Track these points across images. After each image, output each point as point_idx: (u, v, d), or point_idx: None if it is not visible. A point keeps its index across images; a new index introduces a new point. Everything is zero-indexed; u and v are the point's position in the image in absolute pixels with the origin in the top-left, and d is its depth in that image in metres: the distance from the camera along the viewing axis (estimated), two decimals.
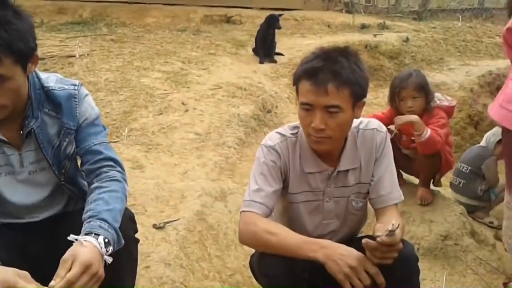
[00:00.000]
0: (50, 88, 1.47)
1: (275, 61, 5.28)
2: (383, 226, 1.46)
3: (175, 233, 2.33)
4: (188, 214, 2.50)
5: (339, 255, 1.40)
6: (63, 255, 1.34)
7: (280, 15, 5.51)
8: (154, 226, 2.34)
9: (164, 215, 2.48)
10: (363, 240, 1.38)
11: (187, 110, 3.76)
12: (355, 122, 1.63)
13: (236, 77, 4.61)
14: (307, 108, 1.52)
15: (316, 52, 1.56)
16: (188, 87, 4.22)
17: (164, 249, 2.20)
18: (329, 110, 1.48)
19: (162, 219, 2.43)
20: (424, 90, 2.65)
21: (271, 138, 1.68)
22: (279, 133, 1.69)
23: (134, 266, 1.55)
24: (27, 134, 1.44)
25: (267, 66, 5.14)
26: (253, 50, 5.55)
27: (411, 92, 2.63)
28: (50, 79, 1.50)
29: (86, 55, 4.65)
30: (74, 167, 1.59)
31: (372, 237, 1.40)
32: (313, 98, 1.49)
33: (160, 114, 3.67)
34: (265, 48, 5.35)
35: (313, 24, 7.11)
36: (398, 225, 1.36)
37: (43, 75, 1.49)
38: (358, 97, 1.52)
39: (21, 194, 1.50)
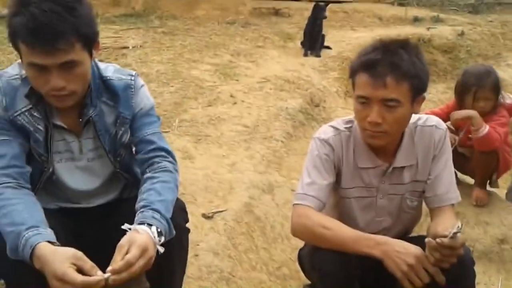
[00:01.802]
0: (108, 78, 1.49)
1: (319, 56, 5.21)
2: (440, 227, 1.41)
3: (223, 223, 2.35)
4: (236, 205, 2.51)
5: (396, 252, 1.36)
6: (116, 241, 1.38)
7: (326, 4, 5.41)
8: (203, 215, 2.37)
9: (212, 205, 2.50)
10: (427, 239, 1.33)
11: (235, 103, 3.78)
12: (413, 118, 1.57)
13: (284, 70, 4.59)
14: (363, 101, 1.48)
15: (374, 44, 1.51)
16: (237, 80, 4.24)
17: (213, 238, 2.22)
18: (387, 103, 1.44)
19: (211, 209, 2.46)
20: (498, 90, 2.51)
21: (325, 131, 1.65)
22: (333, 126, 1.65)
23: (184, 255, 1.56)
24: (86, 122, 1.47)
25: (315, 60, 5.09)
26: (301, 43, 5.50)
27: (488, 93, 2.46)
28: (108, 69, 1.53)
29: (138, 46, 4.77)
30: (129, 156, 1.62)
31: (424, 237, 1.35)
32: (370, 91, 1.44)
33: (209, 105, 3.71)
34: (310, 41, 5.30)
35: (364, 17, 6.98)
36: (461, 228, 1.30)
37: (101, 65, 1.52)
38: (417, 91, 1.46)
39: (79, 180, 1.55)
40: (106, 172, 1.58)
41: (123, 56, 4.47)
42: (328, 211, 1.68)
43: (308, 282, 1.94)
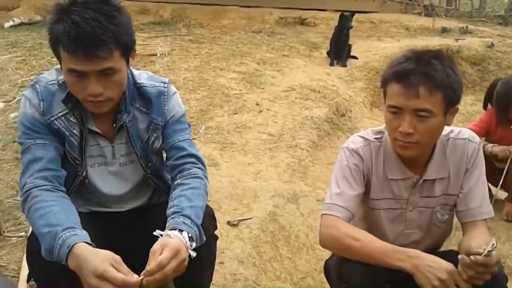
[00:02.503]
0: (142, 84, 1.52)
1: (345, 65, 5.19)
2: (473, 242, 1.38)
3: (248, 232, 2.35)
4: (261, 213, 2.51)
5: (428, 267, 1.33)
6: (145, 246, 1.39)
7: (353, 14, 5.39)
8: (228, 223, 2.37)
9: (237, 213, 2.51)
10: (460, 256, 1.31)
11: (261, 111, 3.79)
12: (445, 130, 1.55)
13: (310, 80, 4.59)
14: (395, 111, 1.46)
15: (407, 54, 1.49)
16: (263, 88, 4.26)
17: (238, 246, 2.22)
18: (419, 114, 1.42)
19: (236, 217, 2.46)
20: None
21: (354, 141, 1.64)
22: (362, 137, 1.64)
23: (213, 262, 1.57)
24: (119, 128, 1.50)
25: (341, 69, 5.08)
26: (327, 53, 5.49)
27: None
28: (142, 76, 1.55)
29: (166, 54, 4.83)
30: (160, 162, 1.64)
31: (453, 252, 1.32)
32: (403, 101, 1.43)
33: (235, 113, 3.73)
34: (336, 50, 5.29)
35: (390, 27, 6.93)
36: (495, 245, 1.27)
37: (135, 72, 1.55)
38: (451, 103, 1.44)
39: (111, 185, 1.57)
40: (137, 178, 1.60)
41: (151, 63, 4.54)
42: (356, 222, 1.66)
43: None
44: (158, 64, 4.53)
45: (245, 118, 3.65)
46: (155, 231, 1.53)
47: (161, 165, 1.65)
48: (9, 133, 3.09)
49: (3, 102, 3.52)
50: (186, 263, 1.25)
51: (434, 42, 5.79)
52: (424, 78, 1.41)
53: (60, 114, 1.42)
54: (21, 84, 3.84)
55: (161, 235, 1.27)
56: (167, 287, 1.60)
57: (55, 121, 1.41)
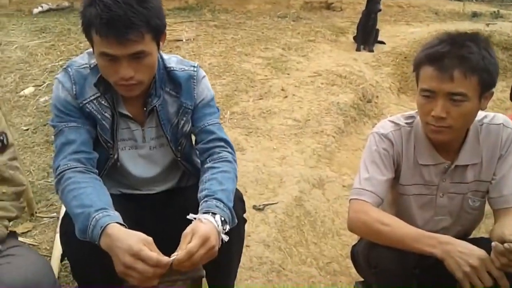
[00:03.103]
0: (172, 68, 1.52)
1: (372, 51, 5.11)
2: (507, 229, 1.35)
3: (274, 216, 2.36)
4: (287, 198, 2.51)
5: (459, 253, 1.31)
6: (174, 228, 1.41)
7: None
8: (254, 207, 2.38)
9: (263, 197, 2.52)
10: (493, 243, 1.28)
11: (286, 96, 3.77)
12: (479, 115, 1.51)
13: (336, 65, 4.54)
14: (427, 95, 1.43)
15: (441, 36, 1.45)
16: (288, 74, 4.23)
17: (263, 230, 2.24)
18: (453, 98, 1.39)
19: (261, 201, 2.47)
20: None
21: (384, 126, 1.61)
22: (393, 121, 1.61)
23: (241, 245, 1.58)
24: (150, 112, 1.51)
25: (368, 55, 5.00)
26: (354, 38, 5.41)
27: None
28: (172, 60, 1.56)
29: (191, 39, 4.84)
30: (189, 145, 1.65)
31: (484, 239, 1.29)
32: (436, 85, 1.40)
33: (260, 99, 3.72)
34: (364, 35, 5.20)
35: (419, 11, 6.78)
36: None
37: (165, 56, 1.56)
38: (486, 86, 1.40)
39: (141, 168, 1.59)
40: (166, 161, 1.62)
41: (177, 49, 4.56)
42: (385, 207, 1.64)
43: (361, 279, 1.91)
44: (183, 50, 4.55)
45: (270, 104, 3.64)
46: (184, 213, 1.55)
47: (190, 148, 1.66)
48: (40, 117, 3.15)
49: (34, 86, 3.59)
50: (216, 249, 1.25)
51: (464, 27, 5.63)
52: (459, 60, 1.37)
53: (92, 98, 1.43)
54: (50, 69, 3.91)
55: (194, 218, 1.27)
56: (196, 268, 1.63)
57: (87, 104, 1.42)
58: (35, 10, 5.81)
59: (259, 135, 3.21)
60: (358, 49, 5.18)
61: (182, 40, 4.78)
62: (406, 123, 1.59)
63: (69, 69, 1.44)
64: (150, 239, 1.20)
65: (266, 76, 4.16)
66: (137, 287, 1.19)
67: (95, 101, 1.43)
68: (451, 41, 1.41)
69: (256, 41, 5.08)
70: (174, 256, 1.19)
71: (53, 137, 2.85)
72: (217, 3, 6.74)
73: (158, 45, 1.38)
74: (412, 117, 1.60)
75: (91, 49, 1.48)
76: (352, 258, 1.86)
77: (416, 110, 1.59)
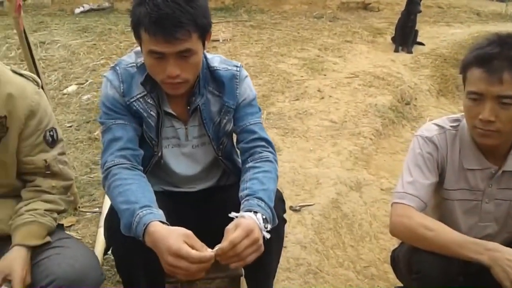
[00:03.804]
0: (216, 68, 1.54)
1: (411, 52, 5.01)
2: None
3: (311, 218, 2.35)
4: (323, 200, 2.50)
5: (507, 260, 1.27)
6: (215, 226, 1.42)
7: None
8: (291, 208, 2.38)
9: (299, 198, 2.51)
10: None
11: (323, 97, 3.75)
12: None
13: (373, 66, 4.48)
14: (475, 97, 1.39)
15: (491, 37, 1.41)
16: (324, 75, 4.20)
17: (300, 231, 2.23)
18: (502, 101, 1.35)
19: (298, 202, 2.47)
20: None
21: (428, 129, 1.58)
22: (437, 124, 1.58)
23: (280, 245, 1.58)
24: (193, 110, 1.53)
25: (407, 56, 4.91)
26: (392, 38, 5.33)
27: None
28: (215, 59, 1.57)
29: (228, 40, 4.88)
30: (231, 144, 1.66)
31: None
32: (484, 87, 1.36)
33: (297, 99, 3.71)
34: (402, 36, 5.11)
35: (460, 12, 6.61)
36: None
37: (209, 55, 1.57)
38: None
39: (183, 166, 1.61)
40: (207, 159, 1.64)
41: (213, 49, 4.60)
42: (427, 212, 1.61)
43: (400, 284, 1.88)
44: (220, 50, 4.58)
45: (306, 105, 3.63)
46: (224, 211, 1.56)
47: (232, 147, 1.67)
48: (83, 114, 3.24)
49: (76, 84, 3.70)
50: (260, 242, 1.24)
51: (506, 29, 5.46)
52: (509, 63, 1.33)
53: (138, 96, 1.46)
54: (92, 68, 4.02)
55: (236, 216, 1.28)
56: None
57: (134, 102, 1.46)
58: (77, 10, 5.97)
59: (295, 136, 3.20)
60: (396, 50, 5.10)
61: (219, 40, 4.82)
62: (452, 126, 1.56)
63: (117, 68, 1.48)
64: (190, 233, 1.20)
65: (302, 76, 4.14)
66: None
67: (141, 99, 1.46)
68: (501, 42, 1.37)
69: (292, 42, 5.07)
70: (218, 247, 1.18)
71: (95, 134, 2.96)
72: (253, 3, 6.76)
73: (204, 44, 1.40)
74: (457, 120, 1.56)
75: (137, 48, 1.51)
76: (392, 262, 1.83)
77: (462, 113, 1.55)
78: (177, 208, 1.61)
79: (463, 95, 1.47)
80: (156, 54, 1.32)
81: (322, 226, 2.33)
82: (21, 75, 1.36)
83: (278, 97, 3.73)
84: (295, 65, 4.39)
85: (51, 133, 1.40)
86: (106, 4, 6.28)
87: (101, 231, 2.06)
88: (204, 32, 1.36)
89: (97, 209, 2.28)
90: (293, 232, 2.21)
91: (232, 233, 1.21)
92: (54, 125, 1.42)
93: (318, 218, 2.36)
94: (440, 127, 1.57)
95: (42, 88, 1.45)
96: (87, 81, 3.75)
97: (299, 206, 2.42)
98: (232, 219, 1.29)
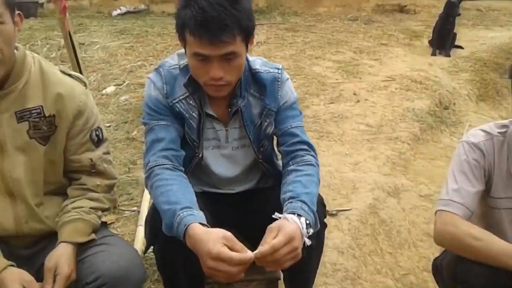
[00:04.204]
0: (257, 70, 1.54)
1: (449, 56, 4.89)
2: None
3: (348, 223, 2.32)
4: (360, 205, 2.46)
5: None
6: (253, 228, 1.41)
7: (460, 1, 5.03)
8: (327, 212, 2.35)
9: (336, 203, 2.48)
10: None
11: (358, 101, 3.70)
12: None
13: (410, 70, 4.40)
14: None
15: None
16: (360, 78, 4.15)
17: (337, 236, 2.20)
18: None
19: (334, 206, 2.44)
20: None
21: (475, 135, 1.53)
22: (484, 130, 1.53)
23: (321, 250, 1.56)
24: (234, 113, 1.53)
25: (444, 60, 4.80)
26: (429, 42, 5.22)
27: None
28: (256, 62, 1.57)
29: (262, 42, 4.89)
30: (271, 147, 1.65)
31: None
32: None
33: (332, 103, 3.68)
34: (440, 39, 4.99)
35: (499, 15, 6.43)
36: None
37: (250, 58, 1.57)
38: None
39: (223, 167, 1.61)
40: (247, 161, 1.63)
41: (248, 52, 4.60)
42: (473, 221, 1.56)
43: None
44: (254, 53, 4.59)
45: (342, 108, 3.59)
46: (262, 214, 1.55)
47: (272, 150, 1.67)
48: (121, 115, 3.30)
49: (114, 85, 3.77)
50: (299, 251, 1.22)
51: None
52: None
53: (181, 97, 1.47)
54: (129, 69, 4.09)
55: (279, 218, 1.26)
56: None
57: (176, 103, 1.47)
58: (114, 12, 6.11)
59: (331, 139, 3.17)
60: (433, 54, 4.99)
61: (253, 43, 4.83)
62: (499, 132, 1.51)
63: (161, 69, 1.49)
64: (229, 235, 1.20)
65: (337, 79, 4.11)
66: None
67: (184, 101, 1.48)
68: None
69: (327, 44, 5.04)
70: (258, 250, 1.17)
71: (133, 134, 3.00)
72: (286, 6, 6.76)
73: (247, 47, 1.40)
74: (505, 126, 1.51)
75: (180, 51, 1.52)
76: (434, 271, 1.77)
77: (510, 119, 1.50)
78: (216, 209, 1.62)
79: None
80: (200, 57, 1.33)
81: (359, 231, 2.29)
82: (69, 75, 1.39)
83: (313, 100, 3.71)
84: (330, 68, 4.36)
85: (97, 132, 1.43)
86: (142, 7, 6.39)
87: (140, 229, 2.09)
88: (248, 35, 1.36)
89: (136, 208, 2.31)
90: (330, 236, 2.19)
91: (274, 236, 1.20)
92: (100, 125, 1.45)
93: (355, 223, 2.33)
94: (487, 133, 1.52)
95: None
96: (124, 82, 3.82)
97: (336, 210, 2.39)
98: (269, 221, 1.28)
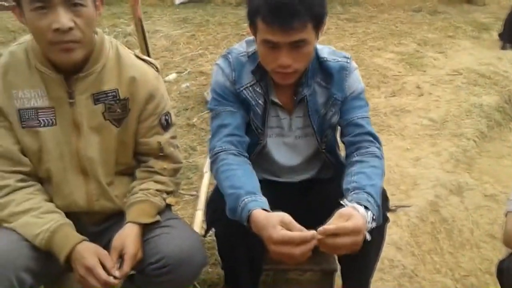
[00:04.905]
0: (325, 59, 1.51)
1: None
2: None
3: (407, 219, 2.26)
4: (421, 202, 2.39)
5: None
6: (311, 218, 1.40)
7: None
8: None
9: (394, 198, 2.42)
10: None
11: (422, 95, 3.58)
12: None
13: (478, 64, 4.20)
14: None
15: None
16: (424, 71, 4.01)
17: (395, 232, 2.15)
18: None
19: (393, 202, 2.36)
20: None
21: None
22: None
23: (381, 245, 1.53)
24: (299, 101, 1.52)
25: None
26: (499, 35, 4.95)
27: None
28: (324, 50, 1.55)
29: (322, 32, 4.81)
30: (334, 137, 1.63)
31: None
32: None
33: (393, 96, 3.58)
34: (511, 32, 4.71)
35: None
36: None
37: (318, 46, 1.55)
38: None
39: (284, 156, 1.61)
40: (309, 151, 1.62)
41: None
42: None
43: None
44: None
45: (404, 101, 3.48)
46: (321, 204, 1.53)
47: (334, 140, 1.65)
48: (182, 101, 3.38)
49: (176, 73, 3.86)
50: (358, 248, 1.19)
51: None
52: None
53: (248, 85, 1.48)
54: (190, 58, 4.17)
55: (347, 205, 1.24)
56: (329, 260, 1.61)
57: (243, 90, 1.48)
58: (177, 1, 6.22)
59: (391, 133, 3.09)
60: (503, 48, 4.73)
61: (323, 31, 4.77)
62: None
63: (229, 56, 1.51)
64: (287, 217, 1.19)
65: (399, 72, 3.99)
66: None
67: (250, 88, 1.48)
68: None
69: (389, 36, 4.90)
70: (318, 232, 1.14)
71: (193, 120, 3.06)
72: None
73: (317, 35, 1.38)
74: None
75: (249, 38, 1.53)
76: (499, 274, 1.70)
77: None
78: (275, 198, 1.61)
79: None
80: (270, 44, 1.32)
81: (419, 229, 2.23)
82: (143, 60, 1.43)
83: (373, 93, 3.62)
84: (392, 60, 4.24)
85: (166, 117, 1.47)
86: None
87: (198, 214, 2.13)
88: (319, 23, 1.34)
89: (195, 192, 2.36)
90: (388, 232, 2.11)
91: (343, 220, 1.17)
92: (169, 110, 1.48)
93: (414, 220, 2.26)
94: None
95: None
96: (185, 70, 3.90)
97: (395, 206, 2.33)
98: (326, 212, 1.25)
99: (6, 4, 5.61)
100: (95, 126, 1.36)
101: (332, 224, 1.17)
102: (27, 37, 1.33)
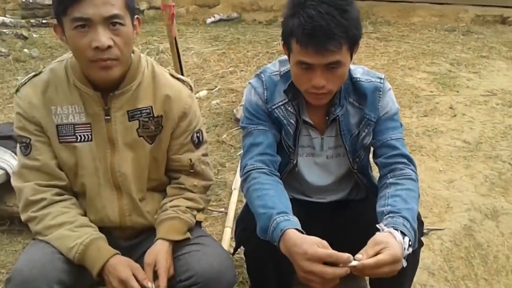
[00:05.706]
0: (358, 79, 1.51)
1: None
2: None
3: (440, 243, 2.20)
4: (454, 226, 2.32)
5: None
6: (341, 240, 1.38)
7: None
8: None
9: (427, 221, 2.35)
10: None
11: (455, 115, 3.51)
12: None
13: None
14: None
15: None
16: (457, 91, 3.93)
17: (428, 256, 2.09)
18: None
19: (425, 225, 2.30)
20: None
21: None
22: None
23: (415, 270, 1.50)
24: (331, 121, 1.51)
25: None
26: None
27: None
28: (357, 70, 1.54)
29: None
30: (367, 158, 1.61)
31: None
32: None
33: (425, 116, 3.51)
34: None
35: None
36: None
37: (351, 66, 1.54)
38: None
39: (316, 175, 1.60)
40: (341, 171, 1.61)
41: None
42: None
43: None
44: None
45: (436, 122, 3.41)
46: (352, 226, 1.53)
47: (367, 161, 1.63)
48: (212, 118, 3.41)
49: (207, 90, 3.90)
50: (395, 274, 1.17)
51: None
52: None
53: (280, 104, 1.49)
54: (221, 75, 4.21)
55: (383, 229, 1.21)
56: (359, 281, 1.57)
57: (275, 109, 1.48)
58: (208, 20, 6.32)
59: (423, 154, 3.03)
60: None
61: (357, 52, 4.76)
62: None
63: (262, 75, 1.52)
64: (325, 242, 1.18)
65: (432, 92, 3.92)
66: None
67: (282, 107, 1.49)
68: None
69: (421, 55, 4.83)
70: (358, 259, 1.13)
71: (223, 137, 3.08)
72: (379, 15, 6.57)
73: (351, 56, 1.38)
74: None
75: (282, 57, 1.54)
76: None
77: None
78: (306, 217, 1.60)
79: None
80: (304, 65, 1.33)
81: (452, 253, 2.16)
82: (178, 79, 1.45)
83: (405, 112, 3.57)
84: (424, 80, 4.17)
85: (198, 134, 1.48)
86: (235, 15, 6.55)
87: (227, 231, 2.13)
88: (354, 44, 1.34)
89: (223, 209, 2.36)
90: (420, 256, 2.07)
91: (378, 250, 1.15)
92: (201, 128, 1.50)
93: (448, 244, 2.20)
94: None
95: None
96: (216, 87, 3.94)
97: (427, 229, 2.27)
98: (358, 235, 1.23)
99: (44, 21, 5.84)
100: (129, 142, 1.38)
101: (367, 250, 1.15)
102: (67, 55, 1.38)
